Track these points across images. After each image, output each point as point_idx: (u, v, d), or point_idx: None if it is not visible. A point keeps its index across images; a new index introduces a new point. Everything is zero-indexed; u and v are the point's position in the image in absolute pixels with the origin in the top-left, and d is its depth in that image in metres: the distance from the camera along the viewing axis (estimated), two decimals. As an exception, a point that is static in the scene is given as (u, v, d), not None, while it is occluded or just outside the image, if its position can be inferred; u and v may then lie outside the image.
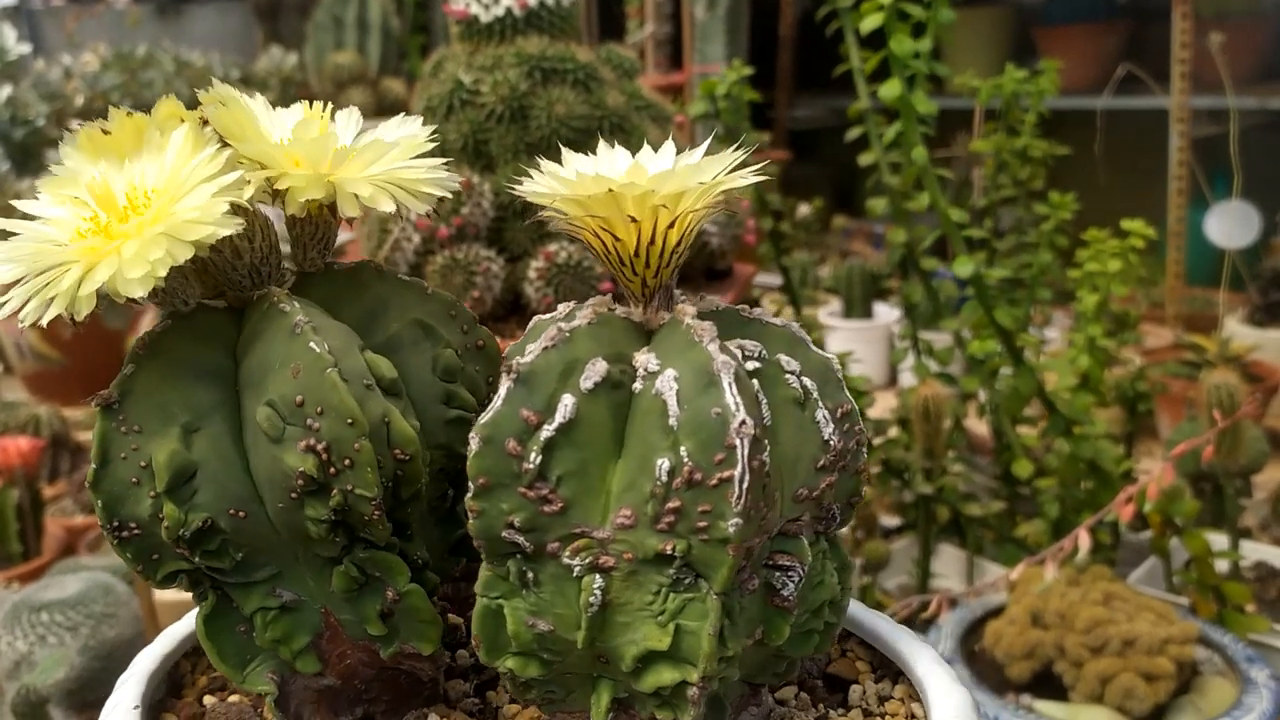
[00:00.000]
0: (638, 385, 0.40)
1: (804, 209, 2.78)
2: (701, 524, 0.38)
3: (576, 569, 0.40)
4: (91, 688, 1.13)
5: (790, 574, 0.42)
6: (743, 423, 0.37)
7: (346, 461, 0.42)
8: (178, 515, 0.43)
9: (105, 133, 0.44)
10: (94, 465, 0.43)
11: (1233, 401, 1.14)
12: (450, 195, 0.49)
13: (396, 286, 0.49)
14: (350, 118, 0.50)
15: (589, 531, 0.40)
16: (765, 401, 0.40)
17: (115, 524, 0.44)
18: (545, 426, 0.39)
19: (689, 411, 0.38)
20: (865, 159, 1.28)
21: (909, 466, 1.29)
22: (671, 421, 0.38)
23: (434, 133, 0.50)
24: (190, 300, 0.46)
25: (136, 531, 0.44)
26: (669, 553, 0.39)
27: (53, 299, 0.40)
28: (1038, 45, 2.60)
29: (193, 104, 0.45)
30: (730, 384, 0.38)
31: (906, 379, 1.84)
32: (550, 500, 0.39)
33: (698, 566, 0.39)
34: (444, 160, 0.49)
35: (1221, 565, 1.19)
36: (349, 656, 0.48)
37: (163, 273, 0.40)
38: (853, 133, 1.29)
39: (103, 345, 1.94)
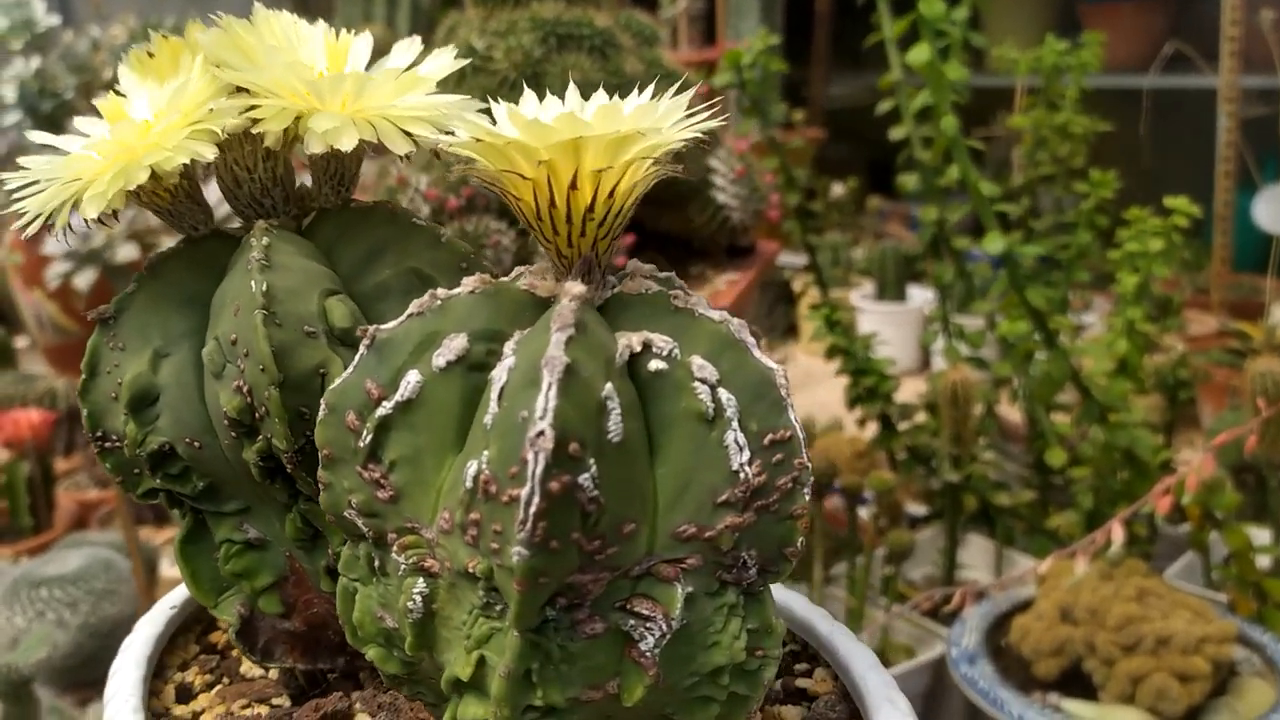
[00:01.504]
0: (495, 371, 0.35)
1: (838, 189, 2.73)
2: (494, 545, 0.32)
3: (403, 568, 0.36)
4: (89, 666, 1.11)
5: (650, 625, 0.34)
6: (539, 434, 0.30)
7: (264, 408, 0.40)
8: (136, 435, 0.43)
9: (150, 55, 0.45)
10: (83, 375, 0.45)
11: (1278, 390, 1.08)
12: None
13: (405, 230, 0.46)
14: (365, 43, 0.47)
15: (419, 528, 0.35)
16: (617, 411, 0.33)
17: (99, 434, 0.45)
18: (384, 403, 0.35)
19: (503, 411, 0.32)
20: (896, 133, 1.23)
21: (936, 453, 1.24)
22: (487, 420, 0.33)
23: (479, 57, 0.47)
24: (201, 226, 0.46)
25: (116, 444, 0.45)
26: (472, 570, 0.34)
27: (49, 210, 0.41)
28: (1082, 22, 2.53)
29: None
30: (551, 384, 0.31)
31: (939, 363, 1.79)
32: (382, 485, 0.35)
33: (502, 593, 0.33)
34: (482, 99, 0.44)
35: (1263, 561, 1.14)
36: (316, 605, 0.46)
37: (112, 197, 0.40)
38: (884, 105, 1.24)
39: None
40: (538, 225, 0.36)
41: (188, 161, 0.41)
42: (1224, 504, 1.08)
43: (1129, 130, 1.82)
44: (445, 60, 0.46)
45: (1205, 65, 2.04)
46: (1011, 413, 1.45)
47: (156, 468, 0.44)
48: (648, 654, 0.34)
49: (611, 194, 0.35)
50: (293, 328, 0.40)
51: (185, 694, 0.48)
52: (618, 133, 0.33)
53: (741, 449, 0.34)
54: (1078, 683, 1.02)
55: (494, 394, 0.33)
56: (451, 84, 0.47)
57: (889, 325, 2.03)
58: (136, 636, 0.49)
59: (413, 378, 0.35)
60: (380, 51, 0.48)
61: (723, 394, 0.34)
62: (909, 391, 1.43)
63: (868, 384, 1.30)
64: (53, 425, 1.62)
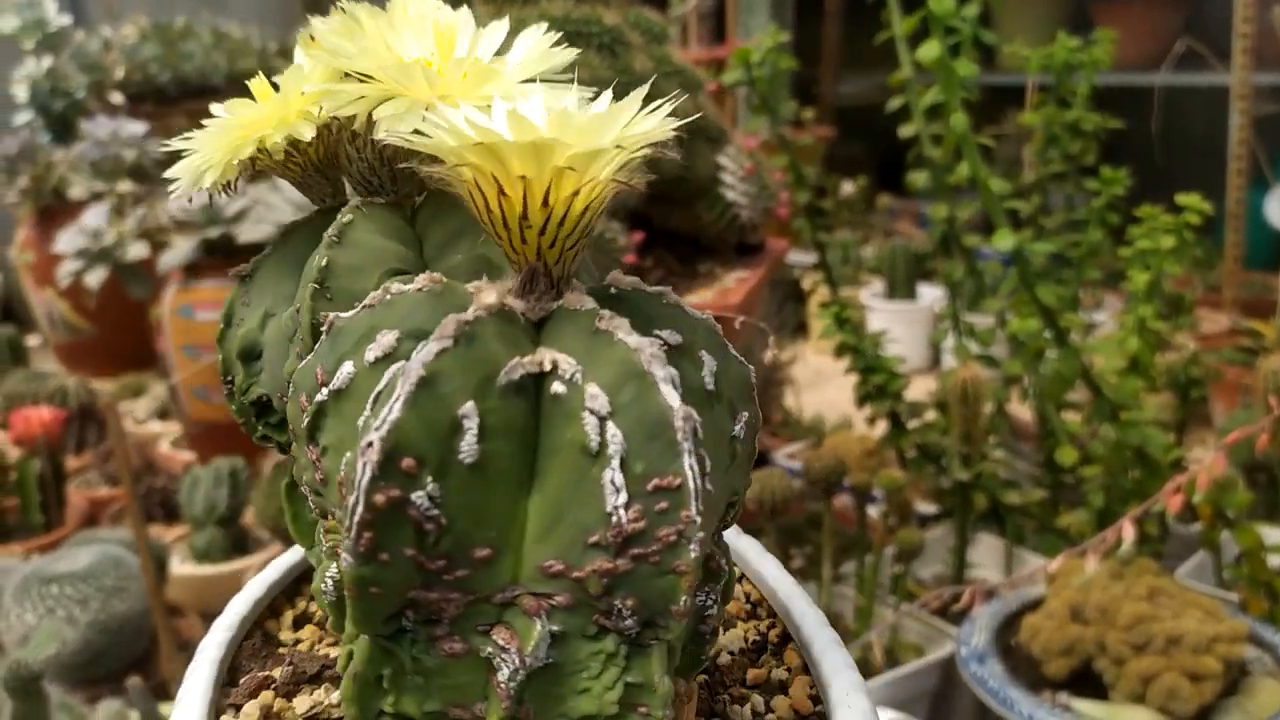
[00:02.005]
0: None
1: (848, 187, 2.72)
2: (340, 547, 0.33)
3: (324, 550, 0.37)
4: (99, 662, 1.11)
5: (505, 655, 0.33)
6: (368, 445, 0.30)
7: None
8: (242, 384, 0.47)
9: (311, 39, 0.47)
10: (221, 325, 0.49)
11: (1292, 388, 1.08)
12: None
13: None
14: (497, 28, 0.47)
15: (336, 514, 0.36)
16: (473, 432, 0.32)
17: (227, 379, 0.48)
18: (323, 389, 0.35)
19: (369, 414, 0.34)
20: (906, 130, 1.22)
21: (946, 451, 1.24)
22: (360, 421, 0.34)
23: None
24: (328, 198, 0.49)
25: (233, 391, 0.49)
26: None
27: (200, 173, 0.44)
28: (1094, 19, 2.52)
29: (234, 77, 0.46)
30: (400, 396, 0.31)
31: (949, 361, 1.79)
32: (317, 466, 0.36)
33: None
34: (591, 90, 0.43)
35: (1275, 560, 1.14)
36: None
37: (225, 169, 0.43)
38: (894, 102, 1.24)
39: (129, 316, 1.93)
40: (486, 227, 0.35)
41: (287, 138, 0.44)
42: (1235, 503, 1.08)
43: (1141, 128, 1.82)
44: (535, 43, 0.46)
45: (1217, 62, 2.03)
46: (1022, 411, 1.44)
47: (259, 416, 0.48)
48: (503, 684, 0.33)
49: (546, 202, 0.33)
50: (343, 303, 0.41)
51: (302, 621, 0.52)
52: (533, 140, 0.32)
53: (619, 490, 0.32)
54: (1088, 682, 1.02)
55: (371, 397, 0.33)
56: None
57: (899, 323, 2.03)
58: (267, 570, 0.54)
59: (347, 368, 0.35)
60: None
61: (611, 428, 0.32)
62: (919, 390, 1.43)
63: (877, 382, 1.29)
64: (64, 423, 1.63)
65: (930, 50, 1.03)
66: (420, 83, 0.42)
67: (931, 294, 2.25)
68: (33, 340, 2.49)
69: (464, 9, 0.47)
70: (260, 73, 0.47)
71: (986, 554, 1.33)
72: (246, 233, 1.56)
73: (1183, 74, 2.13)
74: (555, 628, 0.33)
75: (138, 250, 1.80)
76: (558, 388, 0.33)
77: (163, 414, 1.95)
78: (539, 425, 0.33)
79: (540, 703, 0.33)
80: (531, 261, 0.35)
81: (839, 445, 1.41)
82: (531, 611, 0.33)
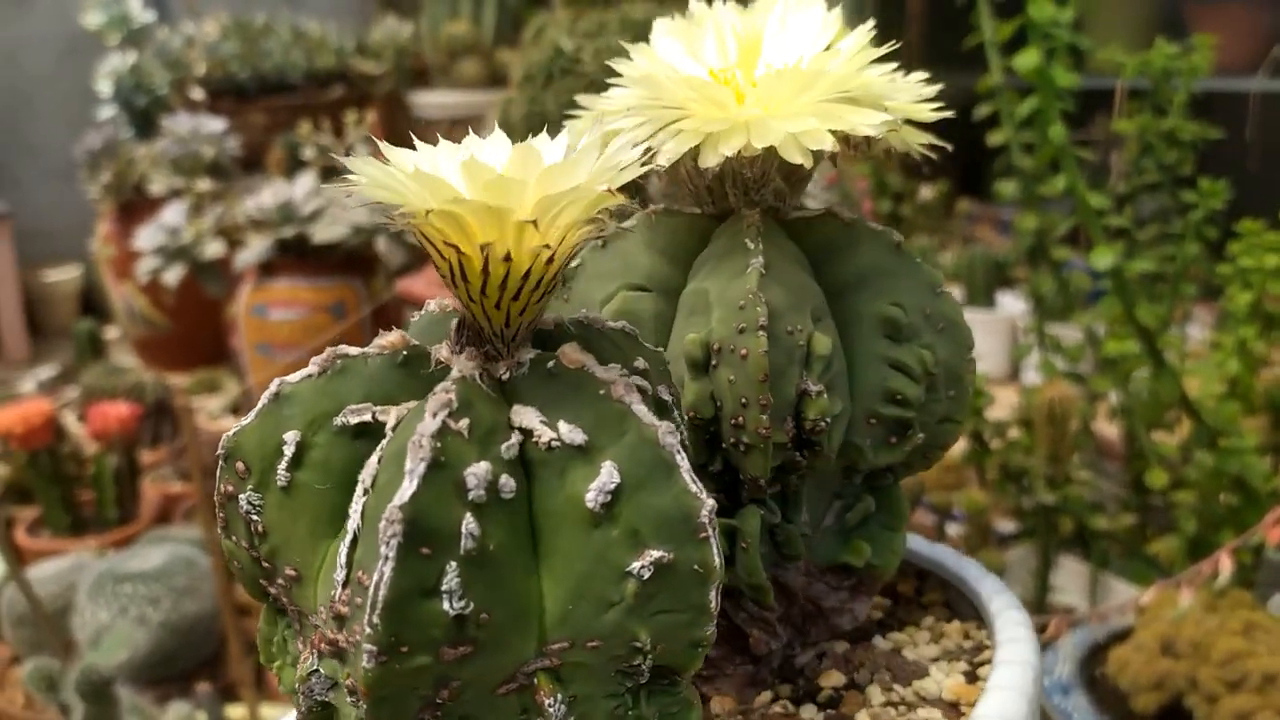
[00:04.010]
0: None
1: (926, 192, 2.67)
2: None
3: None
4: (169, 662, 1.12)
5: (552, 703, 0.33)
6: (389, 525, 0.31)
7: (738, 420, 0.43)
8: None
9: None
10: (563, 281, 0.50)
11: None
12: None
13: (891, 263, 0.47)
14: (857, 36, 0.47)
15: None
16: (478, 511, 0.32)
17: None
18: (281, 459, 0.34)
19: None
20: (995, 138, 1.18)
21: (1029, 471, 1.19)
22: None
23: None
24: (706, 206, 0.47)
25: None
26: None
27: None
28: (1187, 23, 2.44)
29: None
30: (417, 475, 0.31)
31: (1030, 376, 1.74)
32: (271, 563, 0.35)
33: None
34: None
35: (1381, 597, 1.08)
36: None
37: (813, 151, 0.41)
38: (982, 110, 1.19)
39: (205, 313, 1.95)
40: (488, 292, 0.34)
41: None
42: (1340, 535, 1.03)
43: (1234, 136, 1.75)
44: (854, 40, 0.45)
45: (1319, 68, 1.96)
46: (1108, 429, 1.39)
47: None
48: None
49: (508, 257, 0.32)
50: (783, 351, 0.42)
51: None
52: (489, 204, 0.30)
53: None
54: (1178, 719, 0.98)
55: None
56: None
57: (977, 333, 1.95)
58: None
59: (291, 437, 0.33)
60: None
61: (606, 487, 0.32)
62: (1004, 404, 1.38)
63: (959, 398, 1.25)
64: (140, 418, 1.64)
65: (1029, 59, 0.99)
66: (727, 105, 0.42)
67: (1011, 303, 2.19)
68: (112, 333, 2.53)
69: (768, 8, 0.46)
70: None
71: (1069, 578, 1.28)
72: (321, 233, 1.56)
73: (1281, 80, 2.05)
74: (574, 692, 0.33)
75: (215, 248, 1.81)
76: (548, 455, 0.33)
77: (235, 410, 1.97)
78: (530, 493, 0.33)
79: None
80: (472, 320, 0.34)
81: (917, 461, 1.37)
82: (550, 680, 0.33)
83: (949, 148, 0.48)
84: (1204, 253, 1.28)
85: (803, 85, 0.42)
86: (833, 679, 0.47)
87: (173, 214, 1.88)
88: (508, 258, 0.32)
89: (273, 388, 0.34)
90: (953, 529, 1.28)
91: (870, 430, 0.46)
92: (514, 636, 0.32)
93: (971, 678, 0.46)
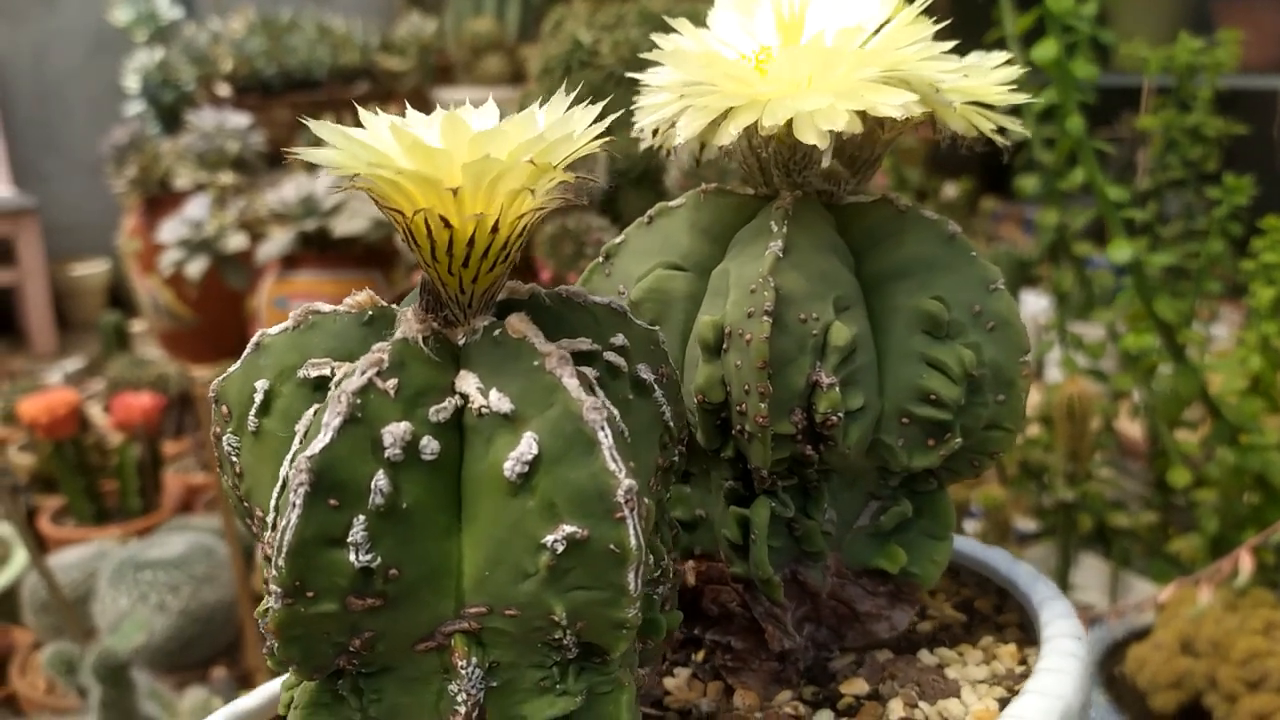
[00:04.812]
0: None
1: (950, 189, 2.65)
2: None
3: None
4: (188, 650, 1.13)
5: (456, 684, 0.34)
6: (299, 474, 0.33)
7: (741, 408, 0.43)
8: None
9: None
10: (596, 259, 0.49)
11: None
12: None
13: (936, 254, 0.45)
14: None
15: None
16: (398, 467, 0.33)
17: None
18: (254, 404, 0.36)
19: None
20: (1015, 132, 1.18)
21: (1049, 469, 1.19)
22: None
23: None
24: (759, 187, 0.47)
25: None
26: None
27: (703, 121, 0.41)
28: (1213, 18, 2.42)
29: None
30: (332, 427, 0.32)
31: (1053, 374, 1.73)
32: (237, 489, 0.37)
33: None
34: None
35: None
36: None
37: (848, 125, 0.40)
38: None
39: (228, 305, 1.97)
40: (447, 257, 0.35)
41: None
42: (1363, 535, 1.01)
43: (1262, 133, 1.73)
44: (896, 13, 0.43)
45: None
46: (1130, 427, 1.38)
47: None
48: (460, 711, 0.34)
49: (448, 224, 0.33)
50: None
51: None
52: (424, 171, 0.31)
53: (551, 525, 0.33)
54: (1197, 718, 0.97)
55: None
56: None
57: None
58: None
59: (261, 385, 0.35)
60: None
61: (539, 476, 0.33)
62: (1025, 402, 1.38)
63: (978, 394, 1.25)
64: (163, 409, 1.66)
65: (1047, 50, 0.98)
66: (748, 81, 0.41)
67: (1035, 301, 2.18)
68: (138, 326, 2.56)
69: None
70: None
71: (1090, 576, 1.27)
72: (342, 225, 1.57)
73: (1310, 77, 2.03)
74: (495, 658, 0.34)
75: (237, 241, 1.83)
76: (478, 421, 0.33)
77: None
78: (462, 458, 0.34)
79: (500, 712, 0.35)
80: (429, 282, 0.35)
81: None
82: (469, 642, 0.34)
83: (1025, 132, 0.46)
84: (1229, 250, 1.27)
85: (823, 62, 0.40)
86: (856, 686, 0.46)
87: (196, 207, 1.89)
88: (448, 224, 0.32)
89: (255, 337, 0.36)
90: (970, 526, 1.27)
91: (903, 430, 0.44)
92: (429, 595, 0.33)
93: (1005, 704, 0.44)
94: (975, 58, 0.45)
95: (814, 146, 0.41)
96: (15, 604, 1.35)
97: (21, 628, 1.37)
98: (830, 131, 0.39)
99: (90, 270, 3.62)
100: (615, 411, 0.34)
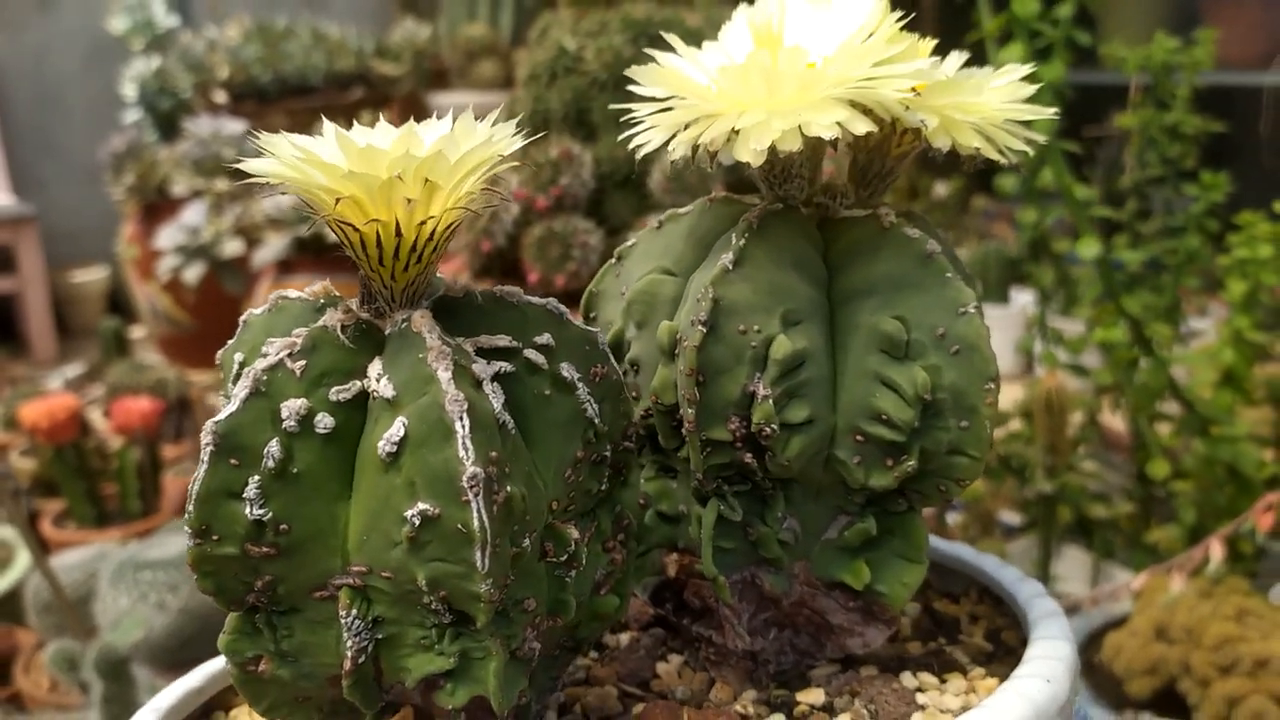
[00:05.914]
0: None
1: (941, 188, 2.67)
2: None
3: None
4: (187, 647, 1.15)
5: (344, 630, 0.39)
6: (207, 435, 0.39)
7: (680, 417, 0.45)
8: (618, 333, 0.49)
9: None
10: (590, 290, 0.51)
11: (1397, 405, 1.03)
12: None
13: (907, 276, 0.45)
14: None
15: None
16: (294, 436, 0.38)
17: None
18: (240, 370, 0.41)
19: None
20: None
21: (1029, 462, 1.21)
22: None
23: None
24: (788, 200, 0.47)
25: None
26: None
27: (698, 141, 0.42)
28: (1203, 19, 2.43)
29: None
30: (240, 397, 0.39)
31: (1041, 369, 1.75)
32: None
33: None
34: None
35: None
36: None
37: (833, 133, 0.40)
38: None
39: (225, 310, 1.99)
40: (388, 260, 0.39)
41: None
42: (1333, 522, 1.03)
43: (1248, 131, 1.75)
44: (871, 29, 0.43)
45: (1332, 62, 1.95)
46: (1114, 421, 1.41)
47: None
48: (349, 654, 0.39)
49: (399, 232, 0.37)
50: (729, 350, 0.43)
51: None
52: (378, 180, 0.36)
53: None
54: (1172, 703, 0.99)
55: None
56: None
57: (991, 329, 1.98)
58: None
59: (238, 358, 0.40)
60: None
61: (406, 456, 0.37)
62: (1007, 397, 1.40)
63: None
64: (162, 413, 1.68)
65: (1012, 53, 1.01)
66: (707, 99, 0.42)
67: (1024, 299, 2.20)
68: (137, 332, 2.58)
69: None
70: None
71: (1073, 567, 1.30)
72: (338, 231, 1.59)
73: (1294, 74, 2.05)
74: (379, 613, 0.38)
75: (234, 247, 1.85)
76: (373, 403, 0.38)
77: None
78: (361, 433, 0.38)
79: (389, 662, 0.39)
80: (366, 277, 0.40)
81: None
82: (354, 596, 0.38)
83: (1037, 141, 0.45)
84: (1207, 245, 1.29)
85: (768, 82, 0.41)
86: (813, 696, 0.46)
87: (193, 214, 1.91)
88: (356, 228, 0.37)
89: (244, 315, 0.41)
90: (952, 518, 1.30)
91: (858, 447, 0.44)
92: (318, 550, 0.38)
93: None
94: (955, 59, 0.45)
95: (792, 159, 0.43)
96: (18, 605, 1.38)
97: (25, 628, 1.39)
98: (762, 150, 0.40)
99: (89, 277, 3.64)
100: (496, 404, 0.38)
